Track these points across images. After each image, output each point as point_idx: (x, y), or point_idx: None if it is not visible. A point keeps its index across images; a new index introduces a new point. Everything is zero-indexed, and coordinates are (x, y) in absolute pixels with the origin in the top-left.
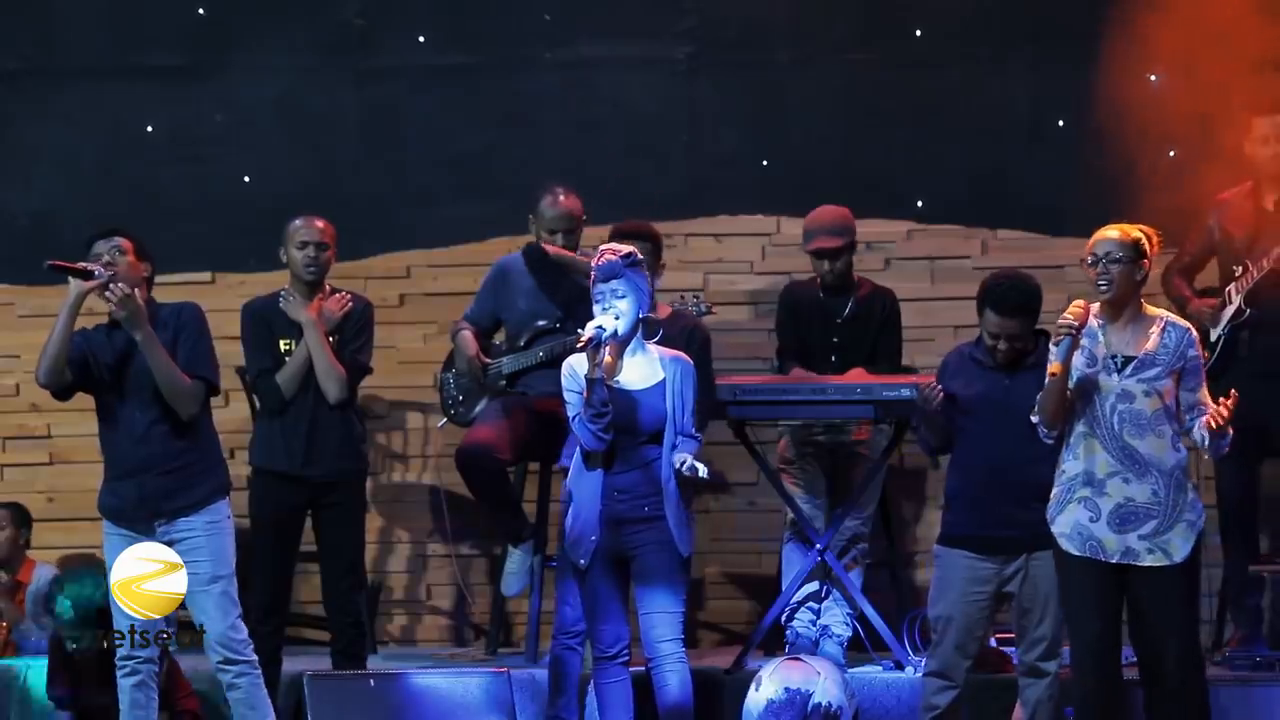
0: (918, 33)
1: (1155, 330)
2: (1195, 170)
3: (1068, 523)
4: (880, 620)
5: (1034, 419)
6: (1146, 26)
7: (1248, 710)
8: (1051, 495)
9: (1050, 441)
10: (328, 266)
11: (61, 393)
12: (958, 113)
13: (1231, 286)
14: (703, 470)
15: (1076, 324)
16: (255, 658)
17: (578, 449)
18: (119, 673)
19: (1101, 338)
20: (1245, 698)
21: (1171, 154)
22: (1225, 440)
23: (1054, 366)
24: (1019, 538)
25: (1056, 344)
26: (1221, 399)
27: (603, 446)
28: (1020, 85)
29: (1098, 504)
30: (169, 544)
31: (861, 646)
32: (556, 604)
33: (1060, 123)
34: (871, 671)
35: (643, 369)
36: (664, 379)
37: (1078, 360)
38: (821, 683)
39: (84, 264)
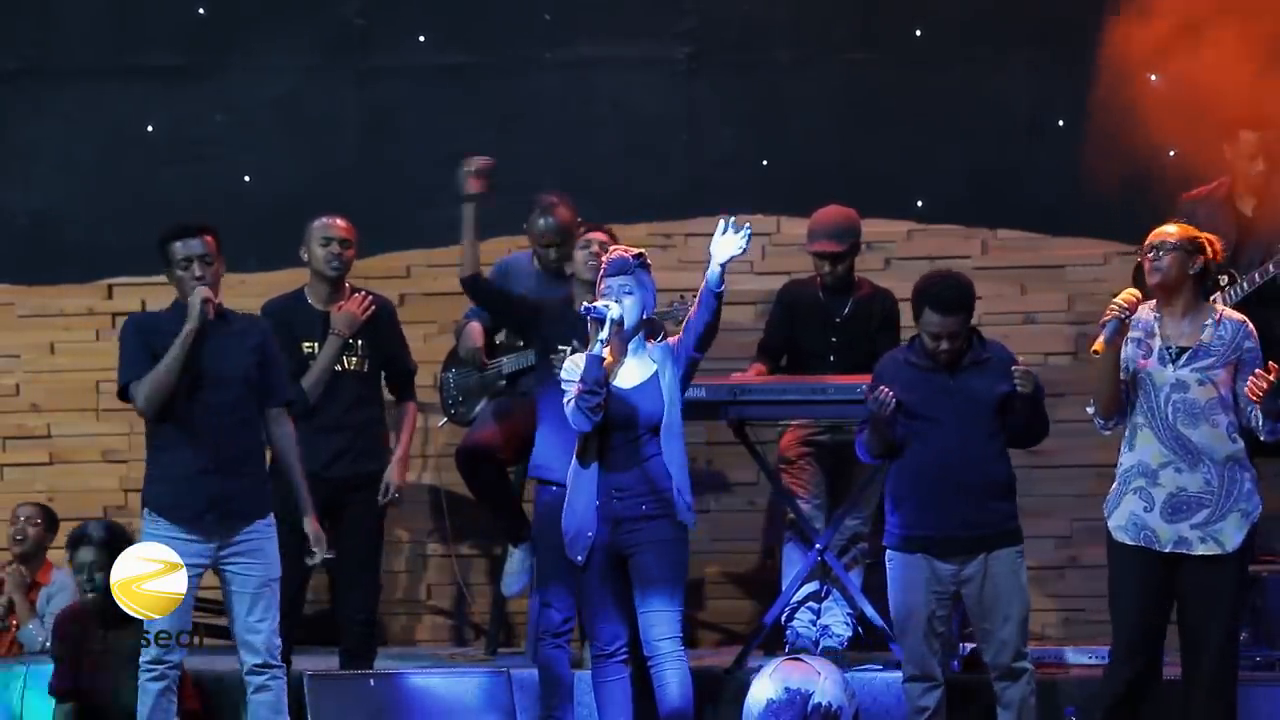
0: (918, 33)
1: (1210, 322)
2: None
3: (1123, 514)
4: (880, 620)
5: (1089, 410)
6: (1146, 26)
7: (1248, 710)
8: (1110, 491)
9: (1107, 433)
10: (349, 264)
11: None
12: (958, 113)
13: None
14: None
15: (1127, 308)
16: (284, 664)
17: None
18: (144, 675)
19: (1158, 329)
20: (1245, 698)
21: (1171, 154)
22: None
23: (1097, 344)
24: (978, 537)
25: (1103, 325)
26: (1259, 370)
27: (588, 426)
28: (1020, 85)
29: (1152, 494)
30: (222, 546)
31: (862, 646)
32: (539, 606)
33: (1060, 123)
34: (871, 671)
35: (637, 368)
36: (656, 371)
37: (1133, 352)
38: (821, 683)
39: (206, 299)
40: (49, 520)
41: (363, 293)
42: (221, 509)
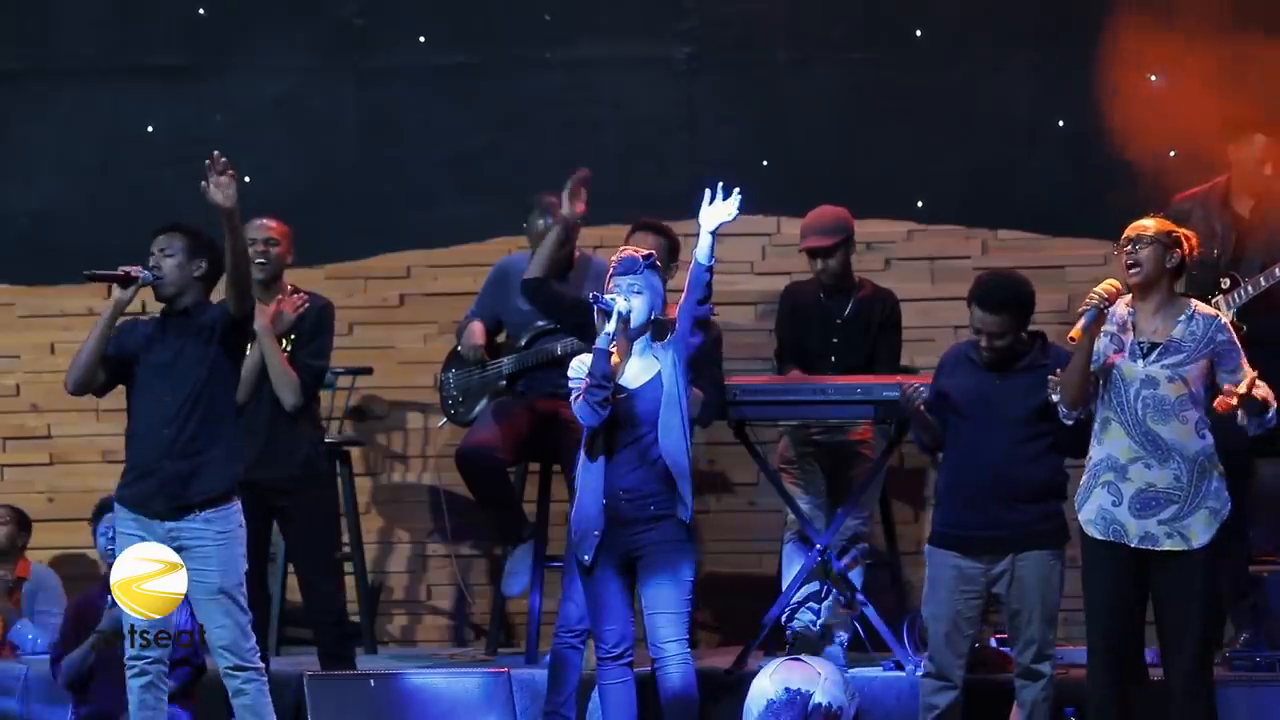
0: (918, 33)
1: (1183, 317)
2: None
3: (1092, 509)
4: (880, 620)
5: (1054, 398)
6: (1146, 27)
7: (1249, 710)
8: (1080, 484)
9: (1069, 423)
10: (279, 263)
11: (93, 392)
12: (958, 113)
13: (1220, 299)
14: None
15: (1106, 298)
16: (262, 665)
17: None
18: (128, 673)
19: (1131, 323)
20: (1246, 698)
21: (1172, 154)
22: (1269, 415)
23: (1074, 332)
24: (1005, 538)
25: (1081, 314)
26: (1228, 387)
27: (596, 421)
28: (1020, 85)
29: (1120, 489)
30: (178, 549)
31: (862, 646)
32: (561, 600)
33: (1060, 123)
34: (871, 671)
35: (643, 368)
36: (659, 370)
37: (1105, 346)
38: (822, 683)
39: (124, 269)
40: (20, 519)
41: (301, 293)
42: (168, 492)
